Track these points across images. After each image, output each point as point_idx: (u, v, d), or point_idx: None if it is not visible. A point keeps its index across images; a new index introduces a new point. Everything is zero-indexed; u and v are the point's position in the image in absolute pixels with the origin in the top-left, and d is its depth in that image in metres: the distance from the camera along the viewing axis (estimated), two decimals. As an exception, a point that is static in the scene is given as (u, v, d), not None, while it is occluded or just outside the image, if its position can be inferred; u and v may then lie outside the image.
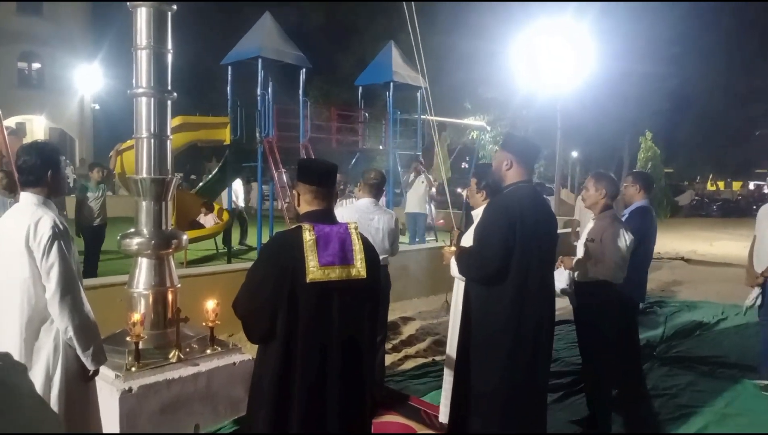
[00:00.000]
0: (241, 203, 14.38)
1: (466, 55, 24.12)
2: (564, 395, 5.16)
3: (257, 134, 12.72)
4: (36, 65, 30.04)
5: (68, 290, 2.88)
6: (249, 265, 2.79)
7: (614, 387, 4.71)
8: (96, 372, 3.10)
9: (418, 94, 15.99)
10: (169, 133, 4.60)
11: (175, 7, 4.52)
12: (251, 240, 13.79)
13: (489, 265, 3.32)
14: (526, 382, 3.35)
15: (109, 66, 27.27)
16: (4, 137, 5.98)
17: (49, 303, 2.87)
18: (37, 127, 29.38)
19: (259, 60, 12.61)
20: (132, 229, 4.52)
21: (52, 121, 29.79)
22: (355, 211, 4.92)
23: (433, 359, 6.12)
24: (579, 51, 15.87)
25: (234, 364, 4.41)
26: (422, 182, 12.85)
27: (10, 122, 21.82)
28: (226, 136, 13.27)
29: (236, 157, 13.50)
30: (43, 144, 3.22)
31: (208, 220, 12.45)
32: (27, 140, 7.70)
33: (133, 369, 3.96)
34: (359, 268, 2.60)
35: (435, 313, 8.03)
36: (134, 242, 4.42)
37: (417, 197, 12.83)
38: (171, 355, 4.21)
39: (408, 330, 7.26)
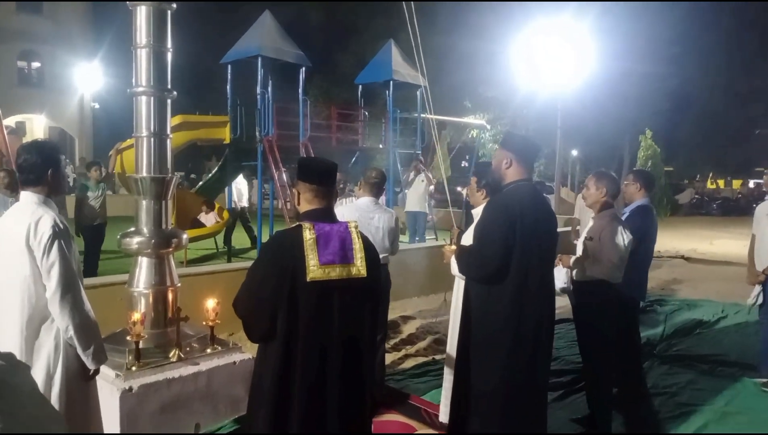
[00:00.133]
0: (245, 203, 13.75)
1: (466, 54, 24.12)
2: (564, 394, 5.17)
3: (257, 133, 12.70)
4: (36, 64, 30.02)
5: (69, 289, 2.88)
6: (249, 264, 2.79)
7: (614, 386, 4.71)
8: (96, 371, 3.10)
9: (418, 92, 15.98)
10: (169, 131, 4.59)
11: (174, 5, 4.51)
12: (243, 238, 13.63)
13: (489, 264, 3.32)
14: (526, 380, 3.35)
15: (109, 65, 27.27)
16: (3, 136, 5.98)
17: (50, 302, 2.87)
18: (37, 126, 29.39)
19: (259, 59, 12.59)
20: (132, 228, 4.52)
21: (51, 120, 29.79)
22: (355, 209, 4.92)
23: (434, 358, 6.12)
24: (579, 50, 15.88)
25: (234, 363, 4.41)
26: (422, 181, 12.85)
27: (10, 121, 21.80)
28: (225, 134, 13.25)
29: (236, 156, 13.48)
30: (43, 143, 3.22)
31: (209, 219, 12.45)
32: (27, 139, 7.71)
33: (134, 368, 3.95)
34: (359, 266, 2.60)
35: (435, 311, 8.03)
36: (134, 241, 4.42)
37: (417, 196, 12.83)
38: (171, 355, 4.20)
39: (408, 329, 7.26)
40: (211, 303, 4.26)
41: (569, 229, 10.52)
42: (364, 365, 2.64)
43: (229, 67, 13.58)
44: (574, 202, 15.32)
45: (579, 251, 4.54)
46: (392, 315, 7.04)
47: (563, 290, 4.42)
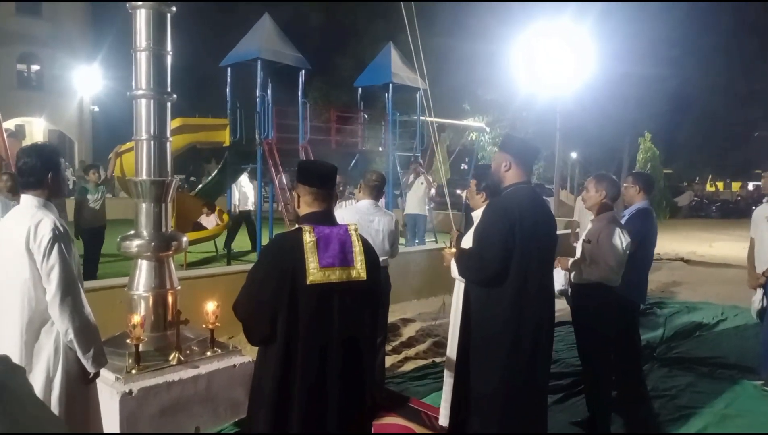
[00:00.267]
0: (251, 206, 13.16)
1: (466, 56, 24.14)
2: (564, 397, 5.17)
3: (257, 136, 12.71)
4: (35, 67, 30.02)
5: (68, 292, 2.88)
6: (249, 267, 2.79)
7: (614, 388, 4.71)
8: (96, 374, 3.09)
9: (418, 95, 15.98)
10: (168, 134, 4.60)
11: (174, 8, 4.52)
12: (244, 241, 13.53)
13: (488, 267, 3.32)
14: (526, 383, 3.35)
15: (109, 68, 27.27)
16: (3, 140, 5.98)
17: (50, 305, 2.87)
18: (37, 129, 29.37)
19: (259, 61, 12.61)
20: (132, 231, 4.52)
21: (51, 123, 29.81)
22: (355, 212, 4.92)
23: (433, 361, 6.12)
24: (578, 52, 15.88)
25: (234, 366, 4.41)
26: (422, 183, 12.84)
27: (9, 124, 21.77)
28: (225, 137, 13.27)
29: (236, 159, 13.49)
30: (42, 146, 3.21)
31: (210, 221, 12.46)
32: (26, 142, 7.71)
33: (134, 371, 3.96)
34: (359, 269, 2.60)
35: (435, 314, 8.03)
36: (134, 244, 4.42)
37: (416, 198, 12.82)
38: (171, 358, 4.21)
39: (408, 331, 7.26)
40: (211, 306, 4.26)
41: (569, 231, 10.53)
42: (364, 368, 2.64)
43: (229, 70, 13.59)
44: (573, 204, 15.32)
45: (578, 254, 4.55)
46: (392, 318, 7.04)
47: (560, 293, 4.42)
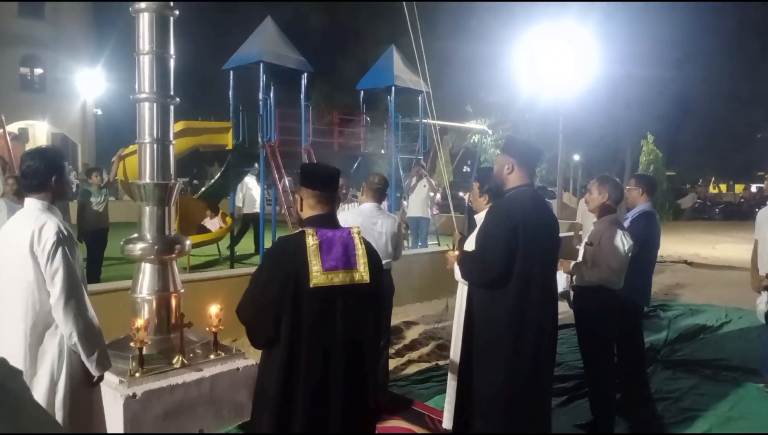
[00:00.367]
0: (257, 208, 12.92)
1: (468, 58, 24.10)
2: (568, 399, 5.17)
3: (259, 139, 12.71)
4: (38, 70, 30.01)
5: (72, 295, 2.88)
6: (252, 270, 2.79)
7: (617, 390, 4.71)
8: (100, 377, 3.09)
9: (420, 98, 15.96)
10: (171, 138, 4.61)
11: (177, 12, 4.53)
12: (249, 244, 13.60)
13: (491, 270, 3.32)
14: (529, 385, 3.35)
15: (112, 70, 27.27)
16: (7, 143, 6.00)
17: (54, 308, 2.87)
18: (40, 132, 29.40)
19: (261, 64, 12.61)
20: (135, 235, 4.53)
21: (54, 126, 29.81)
22: (358, 215, 4.92)
23: (437, 364, 6.11)
24: (581, 55, 15.84)
25: (238, 369, 4.42)
26: (424, 186, 12.84)
27: (13, 127, 21.83)
28: (228, 140, 13.26)
29: (239, 162, 13.49)
30: (46, 149, 3.22)
31: (213, 224, 12.47)
32: (29, 145, 7.72)
33: (137, 374, 3.96)
34: (362, 272, 2.60)
35: (438, 317, 8.03)
36: (137, 247, 4.43)
37: (419, 201, 12.82)
38: (175, 361, 4.21)
39: (411, 334, 7.25)
40: (214, 309, 4.27)
41: (571, 234, 10.51)
42: (367, 370, 2.65)
43: (231, 73, 13.60)
44: (576, 206, 15.30)
45: (580, 256, 4.54)
46: (395, 320, 7.03)
47: (562, 295, 4.41)
